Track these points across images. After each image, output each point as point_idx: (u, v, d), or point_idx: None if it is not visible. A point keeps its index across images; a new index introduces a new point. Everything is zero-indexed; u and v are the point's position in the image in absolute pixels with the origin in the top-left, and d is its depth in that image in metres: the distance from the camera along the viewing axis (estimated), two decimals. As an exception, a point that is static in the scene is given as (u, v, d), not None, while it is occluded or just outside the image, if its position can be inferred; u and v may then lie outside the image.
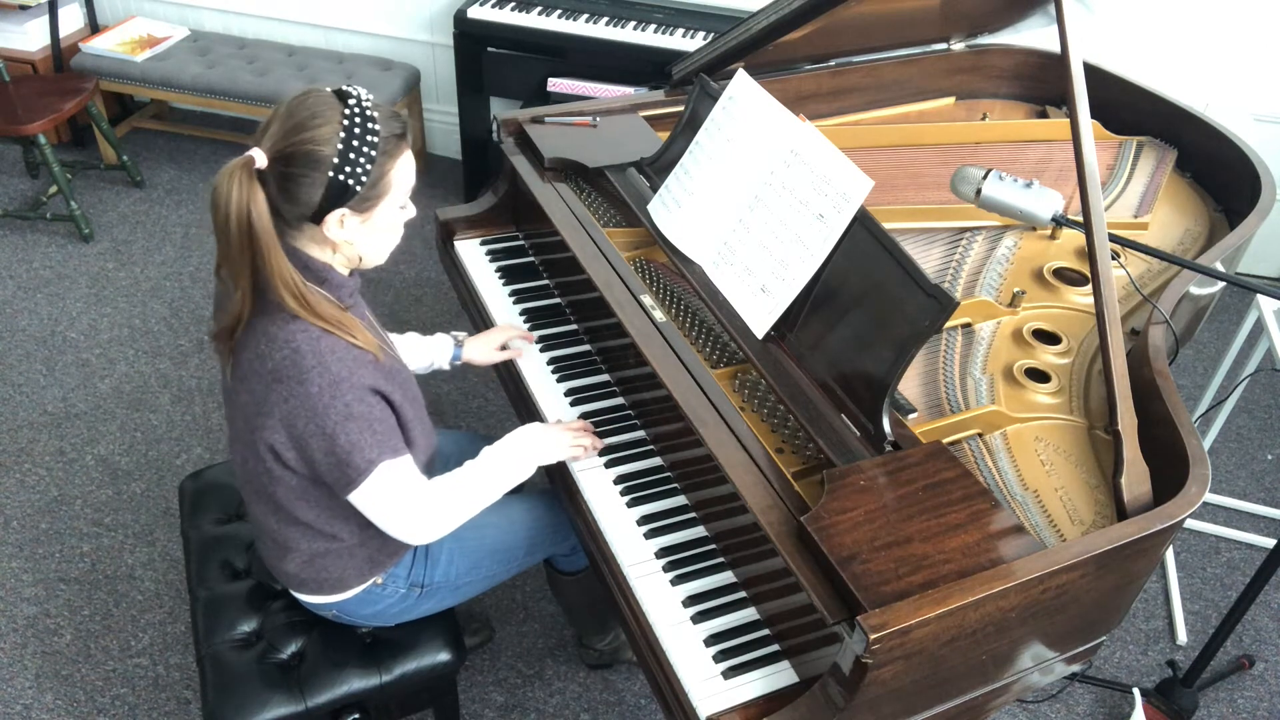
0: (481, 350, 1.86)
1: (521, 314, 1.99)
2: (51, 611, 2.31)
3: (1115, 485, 1.40)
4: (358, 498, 1.40)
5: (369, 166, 1.31)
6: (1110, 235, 1.51)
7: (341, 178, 1.29)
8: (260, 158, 1.28)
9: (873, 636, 1.15)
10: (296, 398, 1.32)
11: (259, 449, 1.39)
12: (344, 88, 1.33)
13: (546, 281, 2.07)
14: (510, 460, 1.58)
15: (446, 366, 1.86)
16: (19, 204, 3.67)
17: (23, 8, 3.67)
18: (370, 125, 1.30)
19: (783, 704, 1.30)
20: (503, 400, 2.90)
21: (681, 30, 3.24)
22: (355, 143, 1.29)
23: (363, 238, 1.38)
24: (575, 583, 1.93)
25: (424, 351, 1.83)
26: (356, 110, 1.30)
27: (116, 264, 3.40)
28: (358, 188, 1.31)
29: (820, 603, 1.24)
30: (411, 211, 1.44)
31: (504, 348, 1.88)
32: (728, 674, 1.37)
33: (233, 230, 1.27)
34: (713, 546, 1.55)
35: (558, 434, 1.64)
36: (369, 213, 1.36)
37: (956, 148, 2.23)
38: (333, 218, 1.32)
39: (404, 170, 1.37)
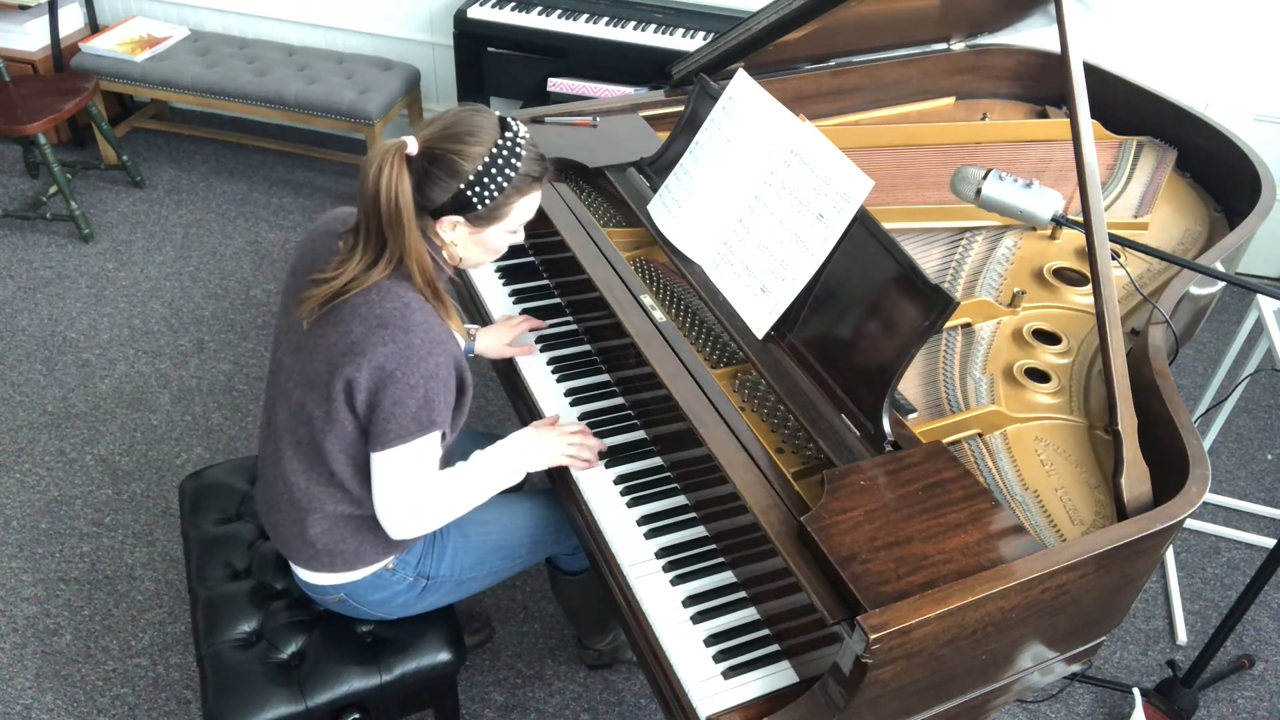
0: (493, 344, 1.88)
1: (522, 314, 1.99)
2: (51, 611, 2.31)
3: (1115, 485, 1.40)
4: (392, 455, 1.44)
5: (496, 194, 1.43)
6: (1110, 235, 1.51)
7: (469, 194, 1.42)
8: (413, 145, 1.40)
9: (873, 636, 1.15)
10: (398, 343, 1.39)
11: (333, 387, 1.43)
12: (510, 119, 1.45)
13: (546, 281, 2.07)
14: (498, 467, 1.61)
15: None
16: (19, 204, 3.67)
17: (23, 8, 3.67)
18: (513, 161, 1.43)
19: (783, 704, 1.30)
20: (503, 400, 2.90)
21: (681, 30, 3.24)
22: (494, 170, 1.42)
23: (467, 246, 1.51)
24: (577, 584, 1.93)
25: None
26: (508, 144, 1.43)
27: (116, 264, 3.40)
28: (479, 206, 1.43)
29: (820, 603, 1.24)
30: (520, 238, 1.56)
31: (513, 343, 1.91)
32: (728, 674, 1.37)
33: (381, 207, 1.38)
34: (713, 546, 1.55)
35: (552, 441, 1.64)
36: (480, 229, 1.48)
37: (956, 148, 2.23)
38: (448, 220, 1.45)
39: (526, 206, 1.50)
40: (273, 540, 1.66)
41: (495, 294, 2.04)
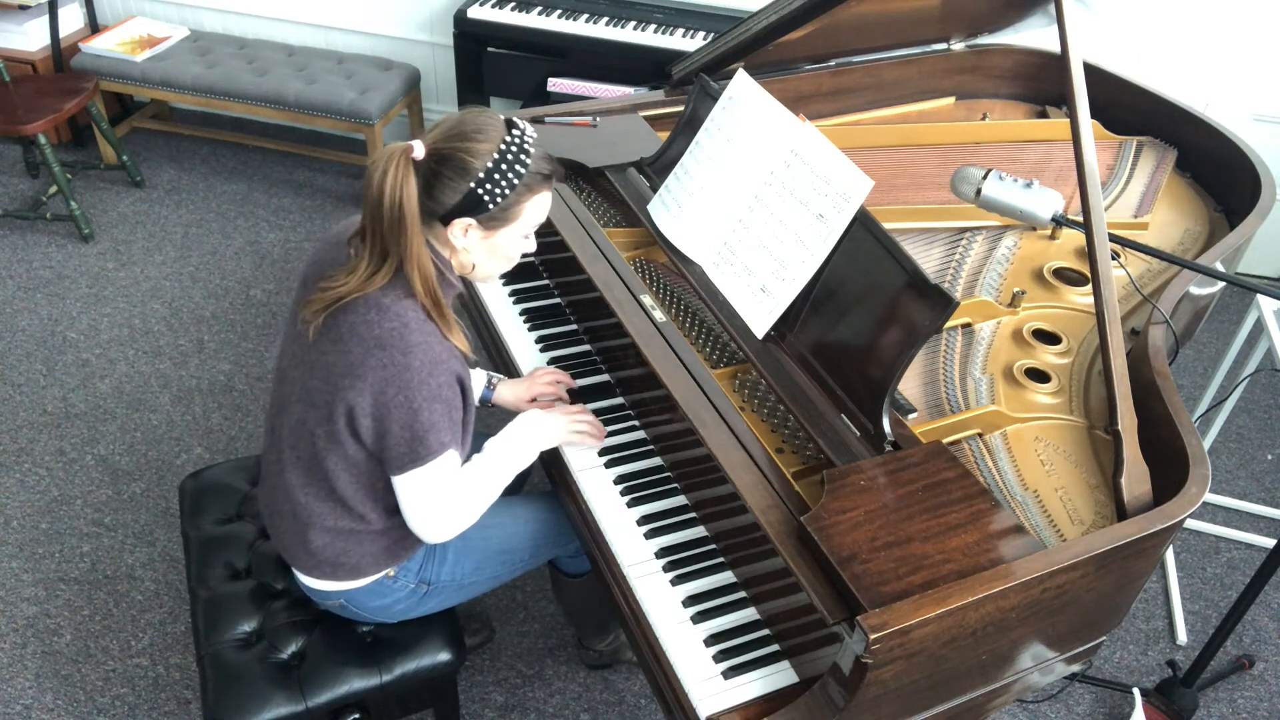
0: (512, 396, 1.82)
1: (521, 314, 1.99)
2: (51, 611, 2.31)
3: (1115, 485, 1.40)
4: (411, 478, 1.44)
5: (508, 192, 1.40)
6: (1110, 235, 1.51)
7: (480, 192, 1.39)
8: (419, 149, 1.38)
9: (873, 636, 1.15)
10: (395, 366, 1.38)
11: (334, 409, 1.42)
12: (514, 118, 1.43)
13: (546, 281, 2.07)
14: (513, 448, 1.61)
15: (476, 403, 1.84)
16: (19, 204, 3.67)
17: (23, 8, 3.67)
18: (523, 158, 1.41)
19: (783, 704, 1.30)
20: (503, 400, 2.90)
21: (681, 30, 3.24)
22: (504, 167, 1.39)
23: (480, 252, 1.48)
24: (578, 586, 1.93)
25: None
26: (516, 140, 1.40)
27: (116, 264, 3.40)
28: (490, 205, 1.40)
29: (820, 603, 1.24)
30: (532, 245, 1.53)
31: (534, 399, 1.83)
32: (728, 674, 1.37)
33: (385, 211, 1.36)
34: (713, 546, 1.55)
35: (557, 418, 1.66)
36: (493, 232, 1.45)
37: (956, 148, 2.23)
38: (459, 224, 1.42)
39: (537, 207, 1.47)
40: (275, 543, 1.66)
41: (496, 294, 2.04)
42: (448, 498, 1.49)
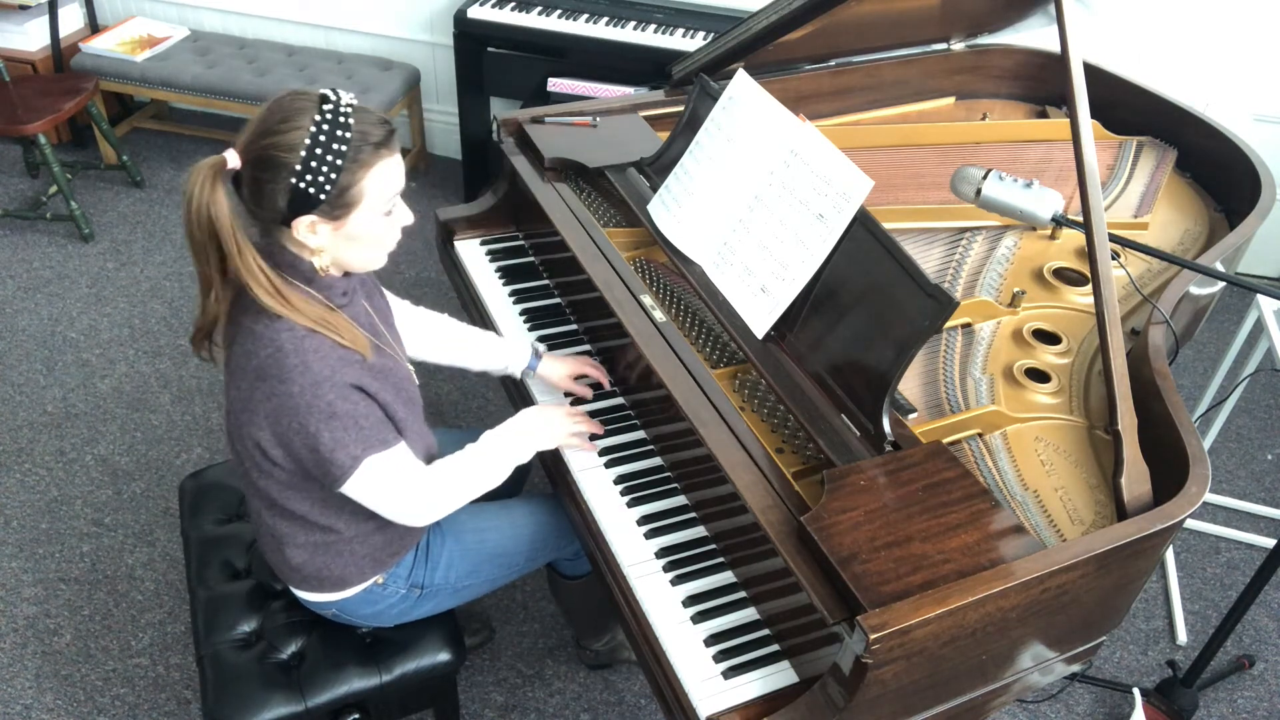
0: (556, 372, 1.79)
1: (521, 314, 1.99)
2: (51, 611, 2.30)
3: (1115, 485, 1.39)
4: (349, 491, 1.41)
5: (334, 176, 1.27)
6: (1110, 235, 1.51)
7: (303, 185, 1.26)
8: (233, 158, 1.29)
9: (873, 636, 1.15)
10: (279, 396, 1.32)
11: (246, 444, 1.40)
12: (327, 91, 1.29)
13: (546, 281, 2.07)
14: (509, 444, 1.60)
15: (518, 375, 1.82)
16: (19, 204, 3.67)
17: (23, 8, 3.67)
18: (340, 133, 1.26)
19: (783, 704, 1.30)
20: (502, 400, 2.90)
21: (681, 30, 3.24)
22: (319, 150, 1.26)
23: (338, 245, 1.35)
24: (578, 588, 1.93)
25: (500, 354, 1.80)
26: (329, 116, 1.26)
27: (116, 264, 3.40)
28: (321, 196, 1.27)
29: (820, 603, 1.24)
30: (404, 218, 1.39)
31: (578, 378, 1.81)
32: (728, 674, 1.37)
33: (193, 228, 1.28)
34: (713, 546, 1.55)
35: (556, 419, 1.65)
36: (341, 220, 1.32)
37: (956, 148, 2.23)
38: (301, 223, 1.30)
39: (380, 179, 1.32)
40: (264, 558, 1.66)
41: (496, 294, 2.03)
42: (403, 492, 1.45)
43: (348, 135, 1.27)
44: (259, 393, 1.34)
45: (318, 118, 1.26)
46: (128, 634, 2.27)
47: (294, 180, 1.26)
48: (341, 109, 1.28)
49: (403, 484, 1.44)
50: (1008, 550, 1.27)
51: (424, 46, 3.84)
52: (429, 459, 1.55)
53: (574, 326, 1.96)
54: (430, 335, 1.78)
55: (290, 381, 1.31)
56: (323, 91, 1.30)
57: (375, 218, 1.35)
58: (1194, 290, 1.86)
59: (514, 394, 1.91)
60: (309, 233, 1.32)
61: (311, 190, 1.27)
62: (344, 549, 1.55)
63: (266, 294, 1.31)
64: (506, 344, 1.82)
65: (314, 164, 1.26)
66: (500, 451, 1.59)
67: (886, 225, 1.48)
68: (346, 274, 1.44)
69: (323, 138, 1.26)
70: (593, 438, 1.71)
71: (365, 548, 1.56)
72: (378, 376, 1.41)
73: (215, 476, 1.95)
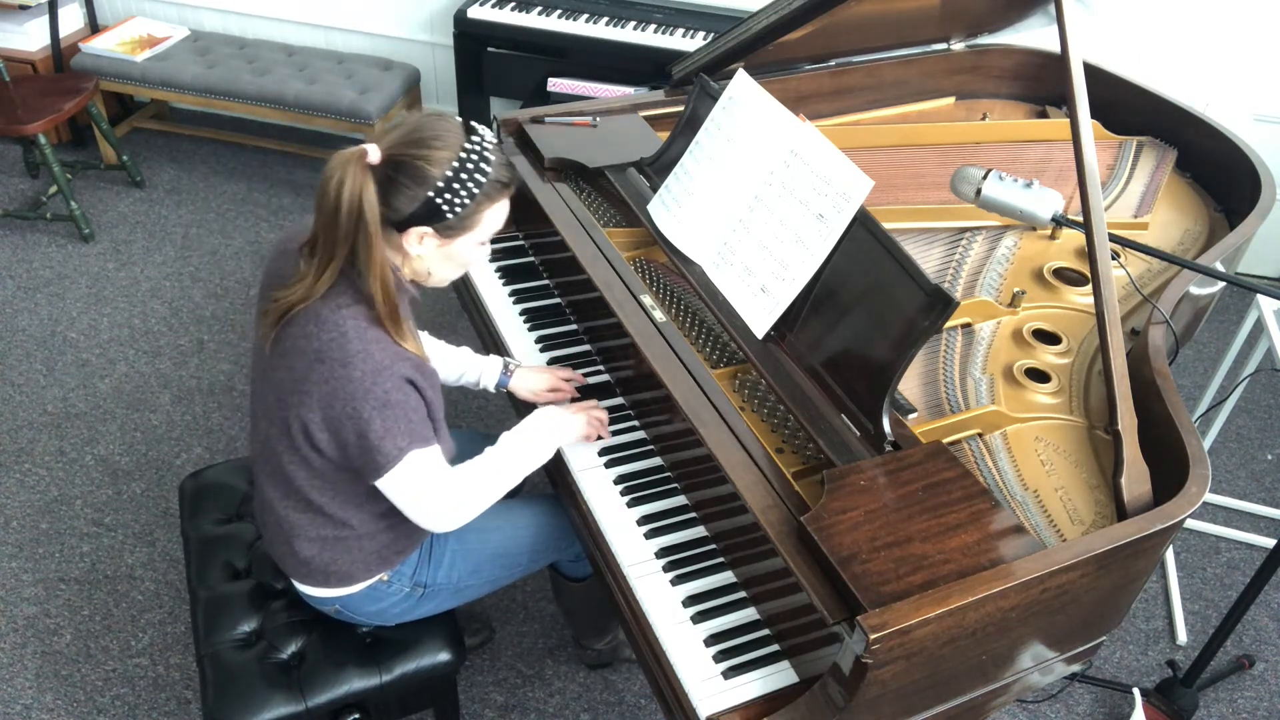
0: (529, 386, 1.81)
1: (521, 314, 1.99)
2: (51, 611, 2.30)
3: (1115, 485, 1.40)
4: (386, 484, 1.42)
5: (467, 201, 1.37)
6: (1110, 235, 1.51)
7: (439, 202, 1.35)
8: (374, 153, 1.33)
9: (873, 636, 1.15)
10: (337, 379, 1.35)
11: (290, 426, 1.41)
12: (473, 124, 1.40)
13: (546, 281, 2.07)
14: (531, 443, 1.61)
15: (491, 389, 1.84)
16: (19, 204, 3.67)
17: (23, 8, 3.67)
18: (483, 166, 1.37)
19: (783, 704, 1.30)
20: (502, 400, 2.90)
21: (681, 30, 3.24)
22: (464, 176, 1.35)
23: (435, 260, 1.44)
24: (580, 589, 1.93)
25: (474, 369, 1.83)
26: (476, 149, 1.37)
27: (116, 264, 3.40)
28: (449, 215, 1.37)
29: (820, 603, 1.24)
30: (487, 252, 1.51)
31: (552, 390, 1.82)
32: (728, 674, 1.37)
33: (342, 216, 1.32)
34: (713, 546, 1.55)
35: (570, 415, 1.65)
36: (450, 240, 1.41)
37: (956, 148, 2.23)
38: (415, 232, 1.38)
39: (496, 215, 1.44)
40: (269, 552, 1.66)
41: (496, 294, 2.04)
42: (434, 492, 1.47)
43: (488, 170, 1.38)
44: (316, 374, 1.36)
45: (469, 146, 1.36)
46: (128, 634, 2.27)
47: (432, 195, 1.35)
48: (486, 144, 1.39)
49: (434, 484, 1.46)
50: (1008, 550, 1.27)
51: (424, 46, 3.84)
52: (450, 461, 1.56)
53: (574, 326, 1.96)
54: None
55: (352, 366, 1.34)
56: (470, 124, 1.40)
57: (473, 246, 1.45)
58: (1194, 290, 1.86)
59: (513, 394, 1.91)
60: (416, 242, 1.40)
61: (444, 208, 1.36)
62: (353, 545, 1.55)
63: (382, 287, 1.36)
64: (479, 359, 1.84)
65: (455, 185, 1.35)
66: (521, 452, 1.60)
67: (886, 225, 1.48)
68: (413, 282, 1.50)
69: (470, 165, 1.36)
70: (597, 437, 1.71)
71: (374, 545, 1.57)
72: (426, 377, 1.44)
73: (215, 476, 1.95)
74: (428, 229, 1.38)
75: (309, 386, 1.37)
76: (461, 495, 1.52)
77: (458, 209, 1.37)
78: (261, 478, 1.56)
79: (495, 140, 1.41)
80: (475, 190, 1.37)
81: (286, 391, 1.40)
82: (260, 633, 1.69)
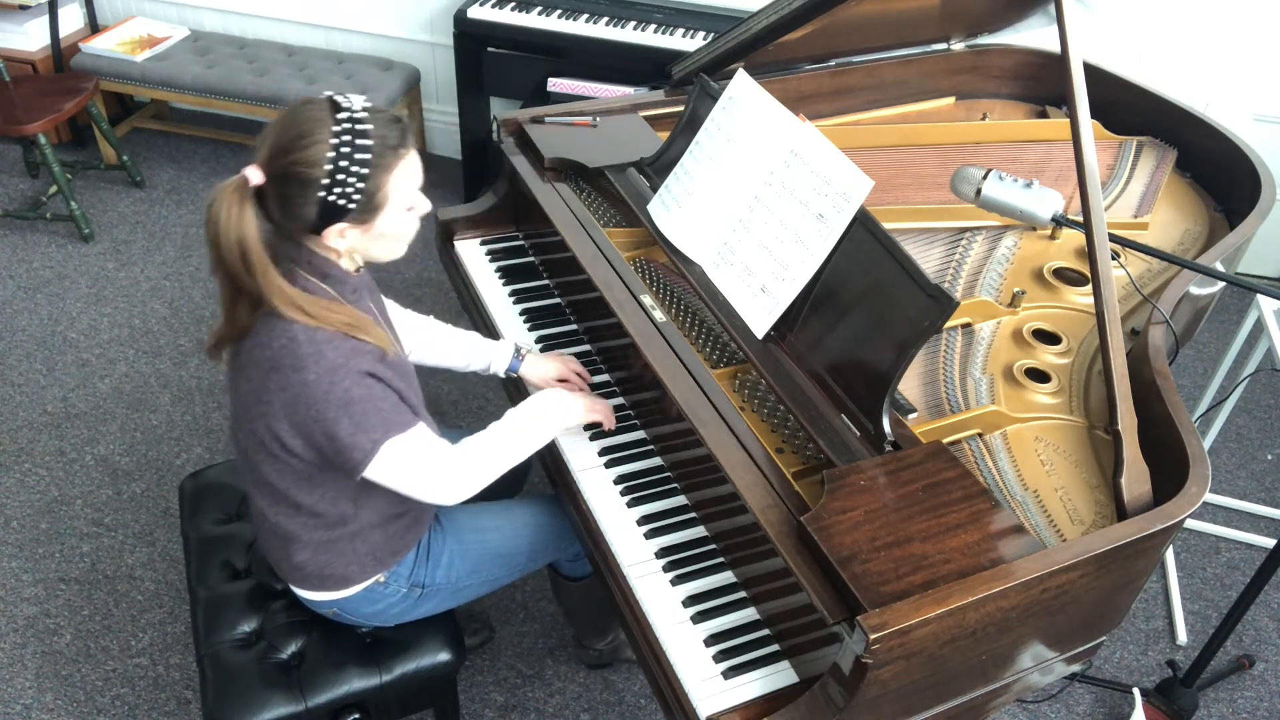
0: (540, 372, 1.80)
1: (521, 314, 1.99)
2: (51, 611, 2.30)
3: (1115, 485, 1.39)
4: (371, 475, 1.41)
5: (361, 185, 1.30)
6: (1110, 235, 1.51)
7: (332, 198, 1.29)
8: (255, 175, 1.29)
9: (873, 636, 1.15)
10: (294, 386, 1.33)
11: (262, 437, 1.40)
12: (338, 98, 1.31)
13: (546, 281, 2.07)
14: (535, 418, 1.59)
15: (501, 374, 1.83)
16: (19, 204, 3.67)
17: (23, 8, 3.67)
18: (360, 142, 1.28)
19: (783, 704, 1.30)
20: (502, 400, 2.90)
21: (681, 30, 3.24)
22: (344, 163, 1.28)
23: (365, 244, 1.39)
24: (579, 589, 1.93)
25: (484, 353, 1.81)
26: (347, 127, 1.28)
27: (116, 264, 3.40)
28: (350, 205, 1.31)
29: (820, 603, 1.24)
30: (424, 208, 1.42)
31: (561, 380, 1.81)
32: (728, 674, 1.37)
33: (224, 252, 1.29)
34: (713, 546, 1.55)
35: (571, 397, 1.65)
36: (370, 224, 1.35)
37: (956, 148, 2.23)
38: (332, 231, 1.34)
39: (403, 178, 1.35)
40: (265, 557, 1.66)
41: (496, 294, 2.04)
42: (426, 470, 1.45)
43: (368, 143, 1.29)
44: (273, 383, 1.34)
45: (336, 129, 1.27)
46: (128, 634, 2.27)
47: (322, 194, 1.28)
48: (356, 116, 1.29)
49: (427, 461, 1.45)
50: (1008, 550, 1.27)
51: (424, 46, 3.84)
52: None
53: (574, 326, 1.96)
54: (417, 335, 1.78)
55: (305, 370, 1.32)
56: (333, 98, 1.31)
57: (400, 215, 1.38)
58: (1194, 290, 1.86)
59: (513, 393, 1.91)
60: (339, 238, 1.35)
61: (341, 201, 1.30)
62: (347, 547, 1.55)
63: (296, 310, 1.33)
64: (489, 344, 1.82)
65: (340, 176, 1.28)
66: (526, 425, 1.58)
67: (886, 225, 1.48)
68: (357, 270, 1.46)
69: (345, 149, 1.28)
70: (603, 432, 1.71)
71: (367, 545, 1.56)
72: (390, 367, 1.42)
73: (215, 476, 1.95)
74: (341, 224, 1.33)
75: (269, 396, 1.35)
76: (463, 467, 1.50)
77: (356, 197, 1.30)
78: (249, 489, 1.55)
79: (367, 105, 1.31)
80: (364, 170, 1.29)
81: (250, 403, 1.39)
82: (260, 633, 1.69)
